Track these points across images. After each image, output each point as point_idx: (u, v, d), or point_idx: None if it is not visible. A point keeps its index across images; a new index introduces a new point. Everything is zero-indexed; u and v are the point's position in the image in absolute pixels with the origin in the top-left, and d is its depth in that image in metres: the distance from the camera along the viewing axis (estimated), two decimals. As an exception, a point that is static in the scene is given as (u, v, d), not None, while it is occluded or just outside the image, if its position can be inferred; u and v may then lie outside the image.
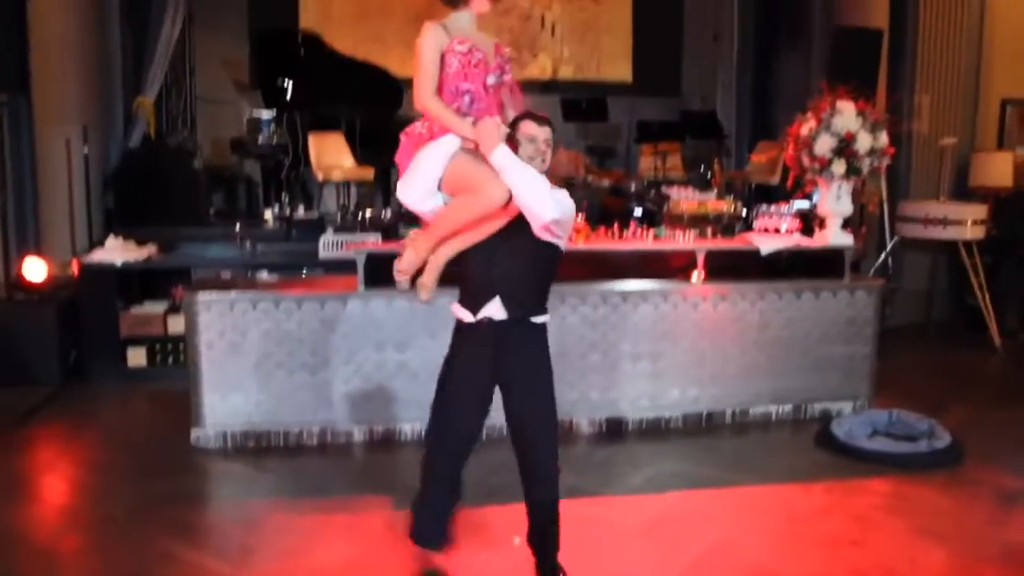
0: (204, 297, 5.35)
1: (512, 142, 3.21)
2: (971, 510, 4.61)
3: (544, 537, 3.53)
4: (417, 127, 3.28)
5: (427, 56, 3.23)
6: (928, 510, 4.59)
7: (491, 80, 3.27)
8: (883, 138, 5.98)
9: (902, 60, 9.09)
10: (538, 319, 3.34)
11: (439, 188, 3.25)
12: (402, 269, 3.43)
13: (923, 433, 5.52)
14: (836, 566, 3.98)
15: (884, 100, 8.12)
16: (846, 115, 5.91)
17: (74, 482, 5.00)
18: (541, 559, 3.55)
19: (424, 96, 3.23)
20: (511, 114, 3.47)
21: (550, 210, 3.12)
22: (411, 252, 3.39)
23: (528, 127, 3.25)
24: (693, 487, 4.87)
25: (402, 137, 3.33)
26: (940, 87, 9.16)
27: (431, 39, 3.24)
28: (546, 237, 3.17)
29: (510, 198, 3.08)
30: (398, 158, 3.34)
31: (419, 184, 3.24)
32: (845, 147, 5.89)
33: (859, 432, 5.56)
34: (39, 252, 7.01)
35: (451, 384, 3.41)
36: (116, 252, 6.96)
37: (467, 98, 3.23)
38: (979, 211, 8.34)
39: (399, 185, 3.37)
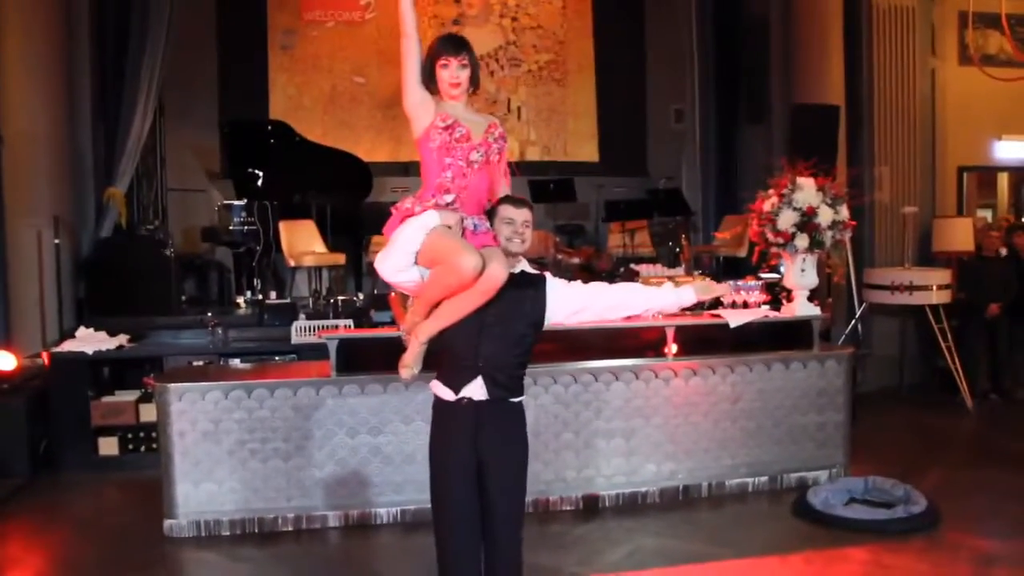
0: (176, 387, 5.33)
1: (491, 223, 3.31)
2: (950, 575, 4.62)
3: None
4: (407, 202, 3.30)
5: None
6: (907, 577, 4.59)
7: (474, 156, 3.28)
8: (844, 211, 6.10)
9: (860, 134, 9.38)
10: (516, 399, 3.36)
11: (416, 262, 3.26)
12: (406, 363, 3.38)
13: (899, 499, 5.54)
14: (817, 638, 3.97)
15: (844, 173, 8.32)
16: (807, 190, 6.04)
17: (43, 578, 4.90)
18: None
19: (407, 82, 3.31)
20: (505, 190, 3.50)
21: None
22: (415, 342, 3.34)
23: (505, 210, 3.32)
24: (672, 563, 4.84)
25: (392, 211, 3.35)
26: (898, 158, 9.43)
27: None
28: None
29: (483, 269, 3.12)
30: (386, 231, 3.35)
31: (396, 257, 3.25)
32: (807, 221, 6.00)
33: (836, 500, 5.57)
34: (9, 343, 6.98)
35: (440, 470, 3.32)
36: (87, 342, 6.93)
37: (449, 173, 3.27)
38: (943, 276, 8.54)
39: (378, 257, 3.38)
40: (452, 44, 3.34)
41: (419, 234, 3.18)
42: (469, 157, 3.27)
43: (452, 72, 3.30)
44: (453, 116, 3.30)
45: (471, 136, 3.28)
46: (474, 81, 3.39)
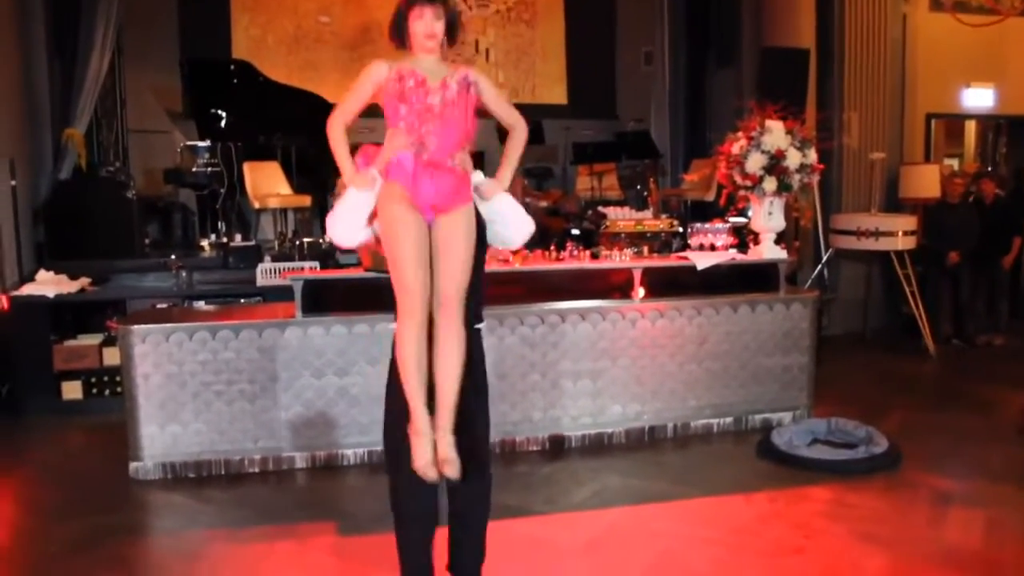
0: (139, 328, 5.27)
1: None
2: (910, 513, 4.69)
3: None
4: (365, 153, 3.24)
5: (357, 86, 3.23)
6: (868, 515, 4.66)
7: (432, 100, 3.15)
8: (812, 154, 6.10)
9: (829, 78, 9.34)
10: (475, 326, 3.34)
11: (369, 223, 3.24)
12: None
13: (861, 439, 5.62)
14: (780, 574, 4.02)
15: (813, 117, 8.31)
16: (775, 133, 6.02)
17: (7, 521, 4.86)
18: None
19: (332, 118, 3.22)
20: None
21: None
22: None
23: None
24: (636, 502, 4.89)
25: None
26: (867, 103, 9.41)
27: (368, 72, 3.21)
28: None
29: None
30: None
31: (347, 221, 3.25)
32: (775, 164, 6.00)
33: (799, 441, 5.64)
34: (-33, 287, 6.86)
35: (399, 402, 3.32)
36: (48, 285, 6.83)
37: (403, 124, 3.16)
38: (909, 222, 8.59)
39: (328, 222, 3.34)
40: None
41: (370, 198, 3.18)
42: (427, 101, 3.16)
43: (427, 23, 3.17)
44: (410, 67, 3.18)
45: (427, 82, 3.18)
46: (451, 33, 3.26)
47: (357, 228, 3.24)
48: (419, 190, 3.11)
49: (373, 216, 3.23)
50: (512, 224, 3.45)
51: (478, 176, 3.28)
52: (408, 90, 3.14)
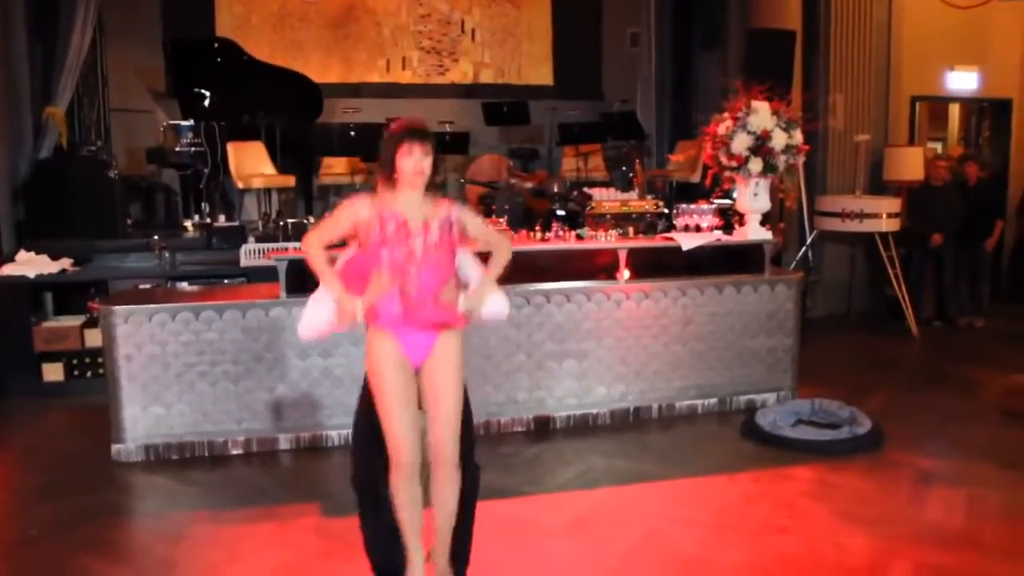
0: (121, 309, 5.23)
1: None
2: (892, 492, 4.74)
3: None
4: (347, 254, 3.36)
5: (336, 216, 3.32)
6: (851, 494, 4.69)
7: (416, 245, 3.19)
8: (798, 135, 6.09)
9: (815, 60, 9.34)
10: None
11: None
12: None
13: (844, 420, 5.66)
14: (764, 554, 4.04)
15: (799, 99, 8.29)
16: (761, 114, 6.00)
17: (-12, 503, 4.83)
18: None
19: (309, 241, 3.32)
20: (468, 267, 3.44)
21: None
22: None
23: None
24: (621, 482, 4.91)
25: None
26: (853, 86, 9.42)
27: (349, 205, 3.29)
28: None
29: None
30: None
31: (315, 323, 3.41)
32: (761, 145, 5.98)
33: (783, 422, 5.67)
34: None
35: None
36: (28, 265, 6.77)
37: (386, 269, 3.20)
38: (893, 204, 8.62)
39: (300, 325, 3.46)
40: (417, 132, 3.24)
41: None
42: (408, 245, 3.20)
43: (416, 160, 3.19)
44: (391, 210, 3.21)
45: (408, 224, 3.21)
46: (437, 170, 3.29)
47: (322, 330, 3.43)
48: (407, 326, 3.21)
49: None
50: (497, 316, 3.56)
51: (461, 301, 3.34)
52: (389, 235, 3.19)
